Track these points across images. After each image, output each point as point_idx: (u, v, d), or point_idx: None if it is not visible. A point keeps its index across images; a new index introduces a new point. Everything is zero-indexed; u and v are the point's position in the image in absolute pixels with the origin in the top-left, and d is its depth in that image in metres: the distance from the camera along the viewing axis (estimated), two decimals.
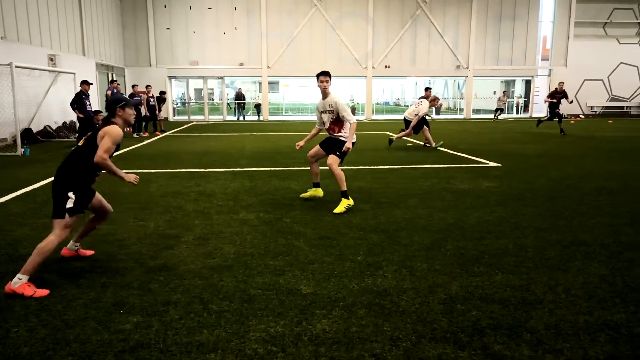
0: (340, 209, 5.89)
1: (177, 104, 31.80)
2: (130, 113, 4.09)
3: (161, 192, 7.09)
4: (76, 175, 3.80)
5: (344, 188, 6.03)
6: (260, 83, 29.32)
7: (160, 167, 9.53)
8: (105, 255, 4.30)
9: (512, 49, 28.31)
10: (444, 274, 3.88)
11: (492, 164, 9.90)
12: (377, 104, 38.76)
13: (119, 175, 3.91)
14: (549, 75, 28.94)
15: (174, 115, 28.58)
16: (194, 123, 24.60)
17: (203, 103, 28.89)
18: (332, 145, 6.22)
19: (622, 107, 28.46)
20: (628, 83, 28.09)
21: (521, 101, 31.53)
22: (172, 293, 3.49)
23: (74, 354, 2.67)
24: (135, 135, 17.04)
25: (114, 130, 3.87)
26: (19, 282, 3.43)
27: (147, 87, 18.21)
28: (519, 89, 32.32)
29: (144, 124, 17.89)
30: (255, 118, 29.08)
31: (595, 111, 29.25)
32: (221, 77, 27.75)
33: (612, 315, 3.12)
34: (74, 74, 15.61)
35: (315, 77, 6.11)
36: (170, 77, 27.11)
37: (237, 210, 5.99)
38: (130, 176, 4.00)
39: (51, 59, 16.50)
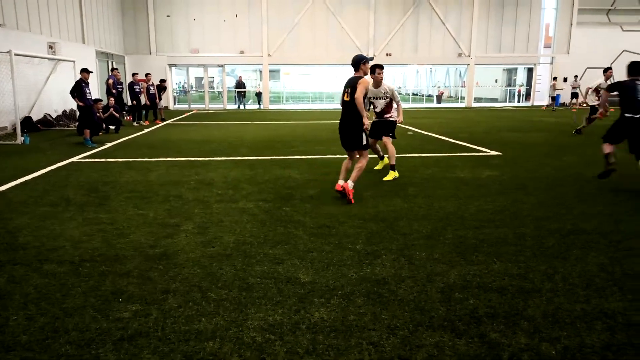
0: (389, 177, 7.26)
1: (177, 93, 31.68)
2: None
3: (161, 181, 7.09)
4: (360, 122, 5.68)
5: (394, 162, 7.39)
6: (261, 71, 29.18)
7: (160, 156, 9.53)
8: (105, 244, 4.32)
9: (514, 36, 28.08)
10: (442, 262, 3.88)
11: (493, 152, 9.87)
12: None
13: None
14: (551, 63, 28.74)
15: (175, 104, 28.50)
16: (194, 112, 24.54)
17: (203, 91, 28.79)
18: (382, 128, 7.59)
19: None
20: None
21: (523, 89, 31.35)
22: (171, 282, 3.50)
23: (72, 342, 2.69)
24: (135, 124, 17.01)
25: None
26: (351, 185, 5.73)
27: (147, 75, 18.13)
28: (520, 77, 32.12)
29: (144, 112, 17.85)
30: (256, 106, 28.99)
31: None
32: (222, 65, 27.61)
33: (609, 304, 3.13)
34: (74, 62, 15.54)
35: (371, 69, 6.85)
36: (170, 65, 26.98)
37: (236, 199, 5.99)
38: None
39: (51, 47, 16.42)
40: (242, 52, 26.81)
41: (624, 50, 28.38)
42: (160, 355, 2.55)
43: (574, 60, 28.01)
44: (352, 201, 5.76)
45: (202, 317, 2.97)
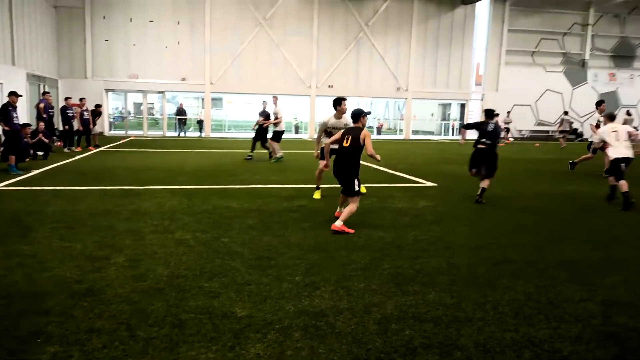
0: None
1: (113, 118, 30.64)
2: None
3: (91, 211, 6.75)
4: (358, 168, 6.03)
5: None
6: (203, 99, 28.88)
7: (91, 184, 9.09)
8: (25, 279, 4.01)
9: (448, 73, 29.60)
10: (380, 293, 3.91)
11: (429, 183, 10.22)
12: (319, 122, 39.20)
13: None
14: (482, 99, 30.47)
15: (110, 130, 27.50)
16: (131, 138, 23.78)
17: (142, 117, 28.02)
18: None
19: (548, 131, 30.38)
20: (553, 109, 30.07)
21: (456, 124, 32.92)
22: (97, 319, 3.29)
23: None
24: (66, 150, 16.20)
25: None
26: (341, 224, 5.80)
27: (81, 99, 17.43)
28: (454, 111, 33.76)
29: (76, 138, 17.07)
30: (197, 134, 28.54)
31: (524, 135, 31.02)
32: (162, 92, 27.08)
33: (536, 332, 3.26)
34: (1, 84, 14.69)
35: (335, 102, 7.62)
36: (107, 90, 26.13)
37: (172, 230, 5.79)
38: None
39: None
40: (183, 79, 26.47)
41: (547, 89, 30.65)
42: None
43: (503, 97, 29.85)
44: (352, 231, 5.86)
45: (129, 357, 2.80)
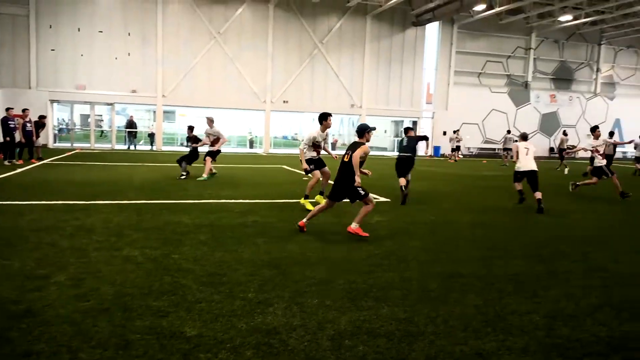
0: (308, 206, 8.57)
1: (58, 130, 29.40)
2: None
3: (32, 227, 6.40)
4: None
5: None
6: (154, 112, 28.24)
7: (33, 199, 8.64)
8: None
9: (400, 91, 30.40)
10: (333, 309, 3.90)
11: (382, 199, 10.37)
12: (276, 137, 39.17)
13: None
14: (432, 117, 31.43)
15: (55, 142, 26.37)
16: (77, 151, 22.87)
17: (89, 130, 27.05)
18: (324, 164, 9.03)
19: (494, 149, 31.65)
20: (499, 127, 31.40)
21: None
22: (35, 342, 3.09)
23: None
24: (7, 162, 15.37)
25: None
26: (356, 227, 6.33)
27: (24, 110, 16.64)
28: None
29: (18, 150, 16.24)
30: (148, 147, 27.82)
31: (472, 152, 32.20)
32: (111, 104, 26.29)
33: (484, 344, 3.33)
34: None
35: (321, 117, 8.57)
36: (52, 101, 25.09)
37: (119, 247, 5.57)
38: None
39: None
40: (134, 91, 25.82)
41: (492, 109, 32.01)
42: None
43: (452, 115, 30.91)
44: (367, 235, 6.36)
45: None
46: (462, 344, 3.33)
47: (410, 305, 4.03)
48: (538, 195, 9.33)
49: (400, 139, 11.17)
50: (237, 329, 3.44)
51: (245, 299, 4.04)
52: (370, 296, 4.23)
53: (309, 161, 8.64)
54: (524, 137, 10.57)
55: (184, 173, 13.00)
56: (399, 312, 3.87)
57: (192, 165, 13.68)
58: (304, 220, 6.81)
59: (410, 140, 10.40)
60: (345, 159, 6.61)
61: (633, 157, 22.22)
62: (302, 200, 8.96)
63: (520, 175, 9.89)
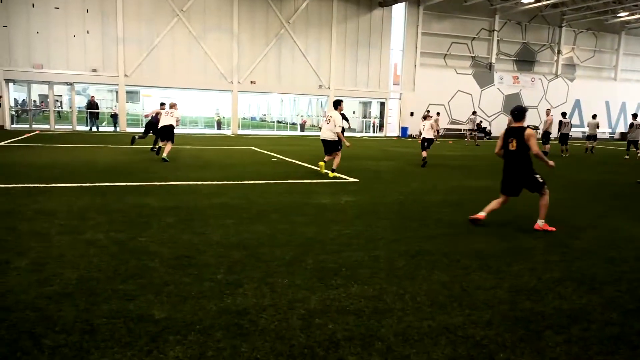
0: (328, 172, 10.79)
1: (15, 112, 28.15)
2: None
3: None
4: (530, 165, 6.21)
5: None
6: (117, 92, 27.36)
7: None
8: None
9: (368, 72, 30.39)
10: (304, 288, 3.92)
11: (351, 179, 10.42)
12: (244, 118, 38.69)
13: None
14: (400, 98, 31.63)
15: (12, 124, 25.27)
16: (36, 132, 22.00)
17: (48, 111, 26.03)
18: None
19: (460, 130, 32.19)
20: (464, 108, 31.89)
21: (377, 121, 33.92)
22: None
23: None
24: None
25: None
26: (543, 223, 6.21)
27: None
28: (375, 109, 34.76)
29: None
30: (112, 129, 27.02)
31: (439, 132, 32.67)
32: (70, 84, 25.31)
33: (451, 319, 3.42)
34: None
35: (335, 103, 10.95)
36: (7, 80, 23.96)
37: (83, 230, 5.42)
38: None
39: None
40: (94, 70, 24.90)
41: (458, 90, 32.44)
42: None
43: (419, 97, 31.18)
44: (554, 229, 6.22)
45: None
46: (430, 319, 3.41)
47: (379, 283, 4.09)
48: (424, 154, 13.58)
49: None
50: (207, 311, 3.41)
51: (215, 281, 4.01)
52: (339, 275, 4.26)
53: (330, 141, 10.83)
54: (424, 117, 14.98)
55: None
56: (368, 290, 3.92)
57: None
58: (482, 213, 6.37)
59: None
60: (511, 148, 6.14)
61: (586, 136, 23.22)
62: (330, 174, 10.72)
63: (424, 141, 13.86)
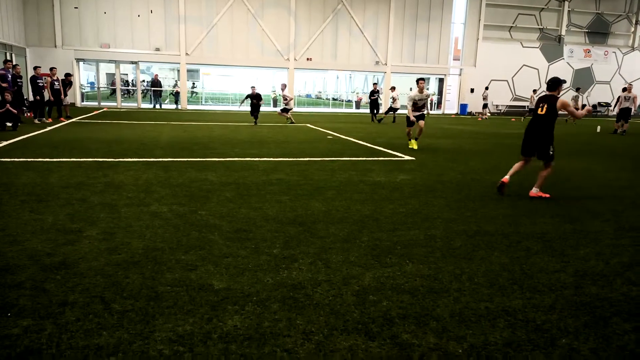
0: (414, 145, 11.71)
1: (85, 89, 29.73)
2: None
3: (63, 183, 6.57)
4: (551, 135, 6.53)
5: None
6: (178, 70, 28.21)
7: (63, 156, 8.84)
8: None
9: (427, 48, 29.52)
10: (358, 265, 3.92)
11: (407, 157, 10.25)
12: (299, 96, 38.85)
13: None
14: (460, 74, 30.56)
15: (82, 101, 26.74)
16: (104, 110, 23.17)
17: (115, 89, 27.27)
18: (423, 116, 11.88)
19: (524, 107, 30.76)
20: (529, 84, 30.39)
21: (435, 98, 33.03)
22: (70, 293, 3.21)
23: None
24: (36, 121, 15.70)
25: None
26: (537, 191, 6.58)
27: (51, 69, 16.84)
28: (433, 86, 33.82)
29: (47, 108, 16.54)
30: (173, 106, 27.98)
31: (500, 110, 31.38)
32: (135, 62, 26.34)
33: (510, 302, 3.32)
34: None
35: (417, 81, 11.50)
36: (78, 60, 25.28)
37: (148, 203, 5.69)
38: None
39: None
40: (157, 49, 25.76)
41: (523, 65, 30.89)
42: None
43: (481, 72, 29.99)
44: (548, 195, 6.64)
45: (103, 330, 2.75)
46: (487, 300, 3.32)
47: (435, 263, 4.03)
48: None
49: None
50: (263, 283, 3.50)
51: (271, 255, 4.09)
52: (394, 253, 4.23)
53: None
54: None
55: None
56: (424, 269, 3.87)
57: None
58: (507, 176, 6.81)
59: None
60: (540, 112, 6.55)
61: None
62: (410, 143, 11.81)
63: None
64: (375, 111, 22.62)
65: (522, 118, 22.81)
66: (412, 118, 11.45)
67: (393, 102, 22.25)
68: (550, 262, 4.12)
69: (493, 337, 2.83)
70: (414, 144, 11.70)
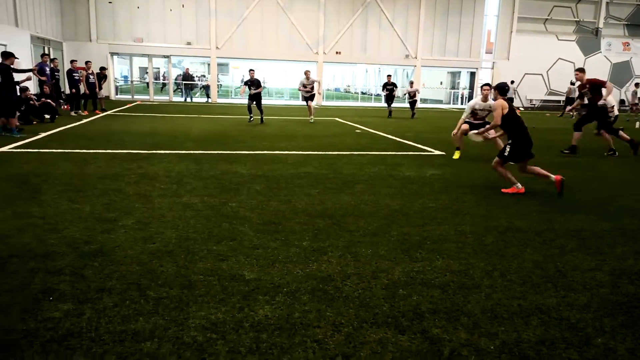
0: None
1: (119, 82, 30.40)
2: None
3: (99, 174, 6.76)
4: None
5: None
6: (209, 64, 28.55)
7: (99, 148, 9.09)
8: (35, 239, 4.04)
9: (458, 41, 29.02)
10: (387, 259, 3.92)
11: (437, 152, 10.14)
12: (328, 90, 38.81)
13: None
14: (492, 68, 29.94)
15: (117, 94, 27.37)
16: (137, 103, 23.66)
17: (148, 82, 27.81)
18: (479, 126, 8.97)
19: (559, 101, 29.92)
20: (565, 78, 29.54)
21: (466, 92, 32.48)
22: (107, 279, 3.32)
23: None
24: (73, 113, 16.17)
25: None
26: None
27: (86, 63, 17.27)
28: (464, 80, 33.26)
29: (82, 102, 17.00)
30: (204, 100, 28.36)
31: (535, 104, 30.62)
32: (167, 56, 26.79)
33: (544, 300, 3.26)
34: (5, 45, 14.54)
35: (481, 87, 9.42)
36: (112, 54, 25.87)
37: (180, 194, 5.80)
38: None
39: None
40: (189, 43, 26.12)
41: (559, 58, 30.04)
42: (93, 357, 2.41)
43: (514, 66, 29.31)
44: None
45: (139, 316, 2.83)
46: (520, 298, 3.27)
47: (466, 258, 3.99)
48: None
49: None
50: (293, 275, 3.53)
51: (300, 247, 4.13)
52: (424, 248, 4.21)
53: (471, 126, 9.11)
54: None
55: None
56: (454, 265, 3.84)
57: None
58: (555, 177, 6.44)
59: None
60: (518, 113, 6.78)
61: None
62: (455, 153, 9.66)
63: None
64: (389, 103, 21.10)
65: (572, 114, 18.64)
66: (468, 132, 8.43)
67: (411, 97, 21.02)
68: (586, 260, 4.03)
69: (526, 334, 2.79)
70: (457, 154, 9.56)
